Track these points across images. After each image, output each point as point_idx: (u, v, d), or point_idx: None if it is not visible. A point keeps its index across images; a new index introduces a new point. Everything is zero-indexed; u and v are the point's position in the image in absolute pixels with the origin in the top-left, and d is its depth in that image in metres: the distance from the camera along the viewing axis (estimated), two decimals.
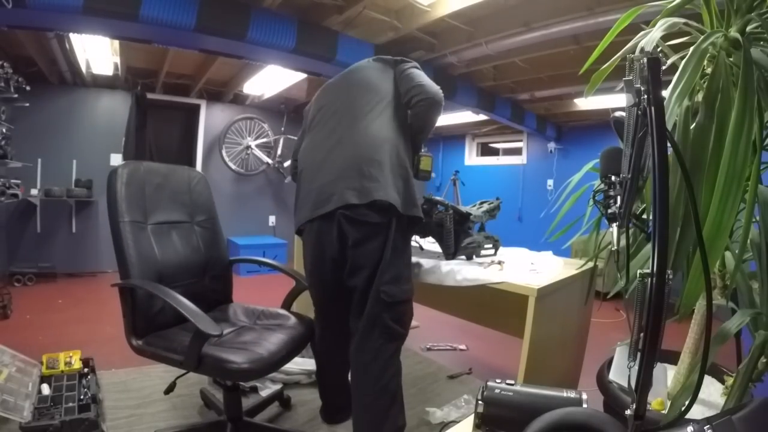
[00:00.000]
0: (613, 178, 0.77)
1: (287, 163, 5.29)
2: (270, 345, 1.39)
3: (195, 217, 1.77)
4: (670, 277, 0.59)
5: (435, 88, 1.63)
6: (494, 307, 2.05)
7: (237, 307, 1.74)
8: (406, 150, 1.59)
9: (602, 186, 0.80)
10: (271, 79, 4.16)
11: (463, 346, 2.88)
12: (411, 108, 1.62)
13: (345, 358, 1.58)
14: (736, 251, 1.14)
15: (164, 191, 1.68)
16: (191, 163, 5.20)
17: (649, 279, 0.59)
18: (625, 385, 0.68)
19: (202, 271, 1.72)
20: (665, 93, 1.03)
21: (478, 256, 1.79)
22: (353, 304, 1.54)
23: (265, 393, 1.98)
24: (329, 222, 1.48)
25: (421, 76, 1.66)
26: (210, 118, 5.21)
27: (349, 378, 1.60)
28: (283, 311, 1.69)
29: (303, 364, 2.19)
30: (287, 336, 1.48)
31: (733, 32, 1.13)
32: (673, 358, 1.52)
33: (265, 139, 5.35)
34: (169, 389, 1.45)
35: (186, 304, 1.27)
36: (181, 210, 1.73)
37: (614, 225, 0.76)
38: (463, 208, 1.76)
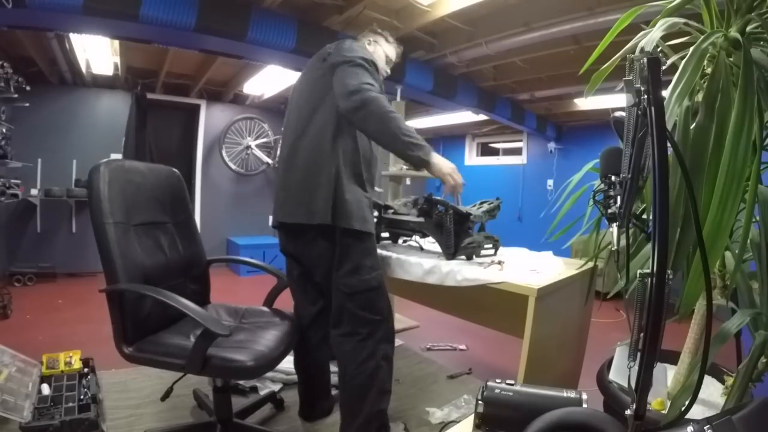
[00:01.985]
0: (613, 178, 0.77)
1: None
2: (268, 342, 1.40)
3: (174, 217, 1.71)
4: (670, 277, 0.59)
5: (353, 85, 1.39)
6: (494, 307, 2.05)
7: (218, 308, 1.72)
8: (341, 155, 1.50)
9: (602, 186, 0.80)
10: (271, 79, 4.17)
11: (463, 346, 2.88)
12: (350, 118, 1.45)
13: (319, 352, 1.72)
14: (736, 251, 1.14)
15: (145, 191, 1.60)
16: (191, 163, 5.20)
17: (649, 279, 0.59)
18: (625, 385, 0.68)
19: (183, 271, 1.67)
20: (665, 93, 1.03)
21: (478, 256, 1.79)
22: (324, 298, 1.66)
23: (264, 393, 1.98)
24: (282, 230, 1.66)
25: (341, 74, 1.45)
26: (210, 118, 5.21)
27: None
28: (266, 309, 1.69)
29: None
30: (280, 332, 1.50)
31: (733, 32, 1.13)
32: (673, 358, 1.52)
33: (265, 139, 5.35)
34: (166, 395, 1.45)
35: (191, 306, 1.26)
36: (161, 209, 1.66)
37: (614, 225, 0.76)
38: (463, 208, 1.76)
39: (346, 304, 1.55)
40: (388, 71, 1.91)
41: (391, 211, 2.07)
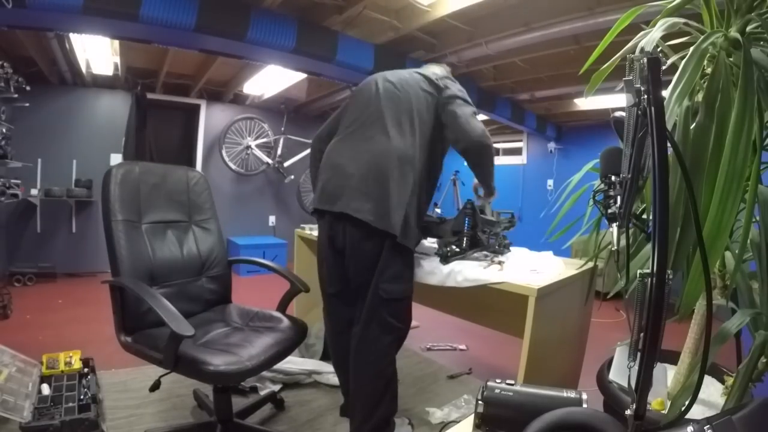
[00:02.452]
0: (613, 178, 0.77)
1: (287, 163, 5.29)
2: (253, 349, 1.37)
3: (193, 217, 1.77)
4: (670, 277, 0.59)
5: (479, 131, 1.59)
6: (494, 307, 2.05)
7: (234, 308, 1.74)
8: (423, 178, 1.63)
9: (602, 186, 0.80)
10: (271, 79, 4.16)
11: (463, 346, 2.88)
12: (461, 154, 1.64)
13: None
14: (736, 251, 1.14)
15: (161, 191, 1.68)
16: (191, 163, 5.20)
17: (649, 279, 0.59)
18: (625, 385, 0.68)
19: (198, 271, 1.72)
20: (665, 93, 1.03)
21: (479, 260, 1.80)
22: (357, 294, 1.65)
23: (265, 393, 1.98)
24: (339, 219, 1.59)
25: (465, 116, 1.62)
26: (210, 118, 5.21)
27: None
28: (277, 314, 1.67)
29: (303, 364, 2.20)
30: (273, 340, 1.46)
31: (733, 32, 1.13)
32: (673, 358, 1.52)
33: (265, 139, 5.35)
34: (154, 387, 1.44)
35: (163, 304, 1.26)
36: (179, 209, 1.73)
37: (614, 225, 0.76)
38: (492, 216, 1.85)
39: (379, 308, 1.59)
40: None
41: None
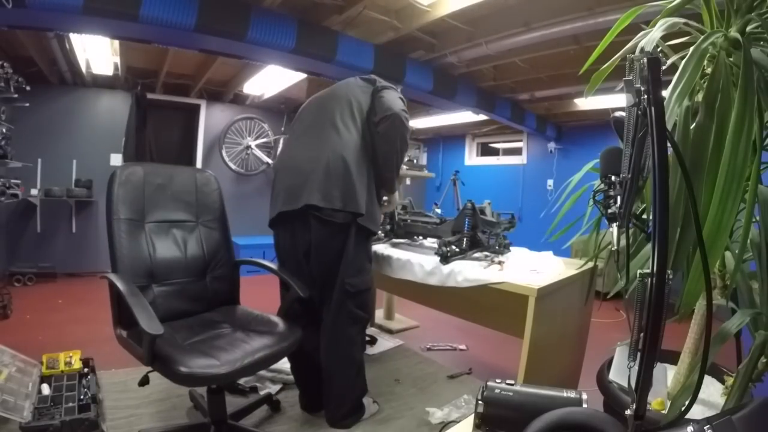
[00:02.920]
0: (613, 178, 0.77)
1: None
2: (235, 353, 1.34)
3: (200, 217, 1.78)
4: (670, 277, 0.59)
5: (398, 106, 1.69)
6: (494, 307, 2.05)
7: (236, 310, 1.73)
8: (370, 168, 1.72)
9: (602, 186, 0.80)
10: (271, 79, 4.16)
11: (463, 346, 2.88)
12: (377, 127, 1.70)
13: (316, 345, 1.76)
14: (736, 251, 1.14)
15: (166, 191, 1.69)
16: (191, 163, 5.20)
17: (649, 279, 0.59)
18: (625, 385, 0.68)
19: (202, 271, 1.72)
20: (665, 93, 1.03)
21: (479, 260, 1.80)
22: (321, 293, 1.75)
23: (264, 393, 1.97)
24: (301, 219, 1.68)
25: (390, 98, 1.73)
26: (210, 118, 5.21)
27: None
28: (275, 319, 1.64)
29: None
30: (261, 345, 1.43)
31: (733, 32, 1.13)
32: (673, 358, 1.52)
33: (265, 139, 5.35)
34: (143, 381, 1.44)
35: (137, 302, 1.26)
36: (185, 209, 1.74)
37: (614, 225, 0.76)
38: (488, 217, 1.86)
39: (346, 301, 1.70)
40: None
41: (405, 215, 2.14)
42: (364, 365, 1.82)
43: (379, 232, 2.20)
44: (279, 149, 1.87)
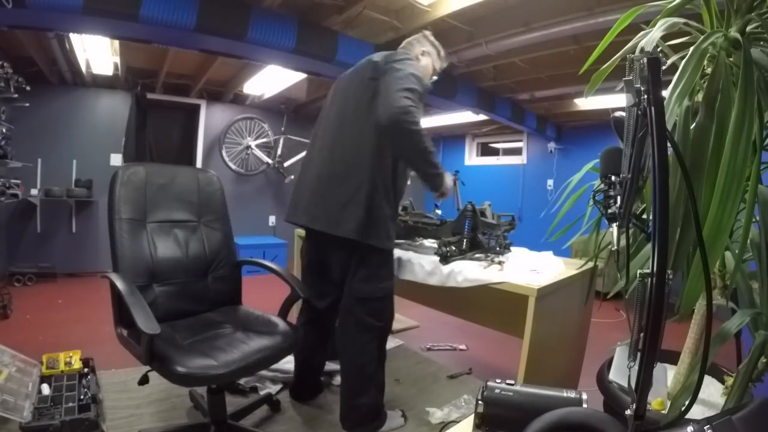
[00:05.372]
0: (613, 178, 0.77)
1: (287, 163, 5.29)
2: (234, 354, 1.34)
3: (202, 217, 1.78)
4: (670, 277, 0.59)
5: (399, 104, 1.40)
6: (494, 307, 2.06)
7: (238, 310, 1.73)
8: (377, 166, 1.54)
9: (602, 186, 0.80)
10: (271, 79, 4.16)
11: (463, 346, 2.88)
12: (380, 134, 1.49)
13: (320, 342, 1.82)
14: (736, 251, 1.14)
15: (168, 191, 1.70)
16: (191, 163, 5.20)
17: (649, 279, 0.59)
18: (625, 385, 0.68)
19: (204, 271, 1.72)
20: (665, 93, 1.03)
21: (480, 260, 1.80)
22: (334, 292, 1.75)
23: (264, 393, 1.97)
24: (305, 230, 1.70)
25: (391, 87, 1.45)
26: (210, 118, 5.21)
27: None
28: (276, 319, 1.64)
29: None
30: (260, 346, 1.43)
31: (733, 32, 1.13)
32: (673, 358, 1.52)
33: (265, 139, 5.35)
34: (142, 381, 1.44)
35: (135, 301, 1.26)
36: (188, 210, 1.74)
37: (614, 225, 0.76)
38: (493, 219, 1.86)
39: (355, 307, 1.64)
40: (430, 86, 1.80)
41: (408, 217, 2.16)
42: (381, 376, 1.72)
43: None
44: (308, 144, 1.68)
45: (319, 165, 1.67)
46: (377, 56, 1.64)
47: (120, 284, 1.32)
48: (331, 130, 1.68)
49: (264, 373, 2.09)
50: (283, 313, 1.70)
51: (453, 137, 6.69)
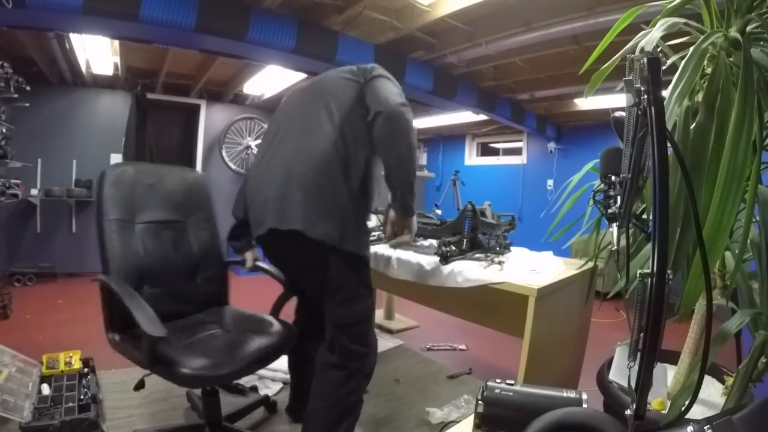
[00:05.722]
0: (613, 178, 0.77)
1: None
2: (234, 353, 1.35)
3: (190, 218, 1.74)
4: (670, 277, 0.59)
5: (394, 99, 1.37)
6: (494, 307, 2.05)
7: (228, 311, 1.72)
8: (354, 174, 1.40)
9: (602, 186, 0.80)
10: (271, 79, 4.16)
11: (463, 346, 2.88)
12: (372, 129, 1.38)
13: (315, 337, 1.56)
14: (736, 251, 1.14)
15: (156, 191, 1.65)
16: (191, 163, 5.20)
17: (649, 279, 0.59)
18: (625, 385, 0.68)
19: (192, 272, 1.69)
20: (665, 93, 1.03)
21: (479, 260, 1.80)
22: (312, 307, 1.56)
23: (264, 393, 1.97)
24: (276, 238, 1.41)
25: (384, 88, 1.41)
26: (210, 118, 5.21)
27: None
28: (269, 318, 1.63)
29: None
30: (258, 345, 1.42)
31: (733, 32, 1.13)
32: (673, 358, 1.52)
33: None
34: (138, 386, 1.44)
35: (138, 304, 1.25)
36: (175, 210, 1.70)
37: (614, 225, 0.76)
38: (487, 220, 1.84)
39: (338, 335, 1.44)
40: None
41: None
42: (356, 415, 1.48)
43: (380, 233, 2.20)
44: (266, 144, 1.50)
45: (276, 174, 1.45)
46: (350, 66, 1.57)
47: (117, 287, 1.31)
48: (298, 127, 1.50)
49: (264, 372, 2.10)
50: (275, 311, 1.71)
51: (453, 137, 6.69)
